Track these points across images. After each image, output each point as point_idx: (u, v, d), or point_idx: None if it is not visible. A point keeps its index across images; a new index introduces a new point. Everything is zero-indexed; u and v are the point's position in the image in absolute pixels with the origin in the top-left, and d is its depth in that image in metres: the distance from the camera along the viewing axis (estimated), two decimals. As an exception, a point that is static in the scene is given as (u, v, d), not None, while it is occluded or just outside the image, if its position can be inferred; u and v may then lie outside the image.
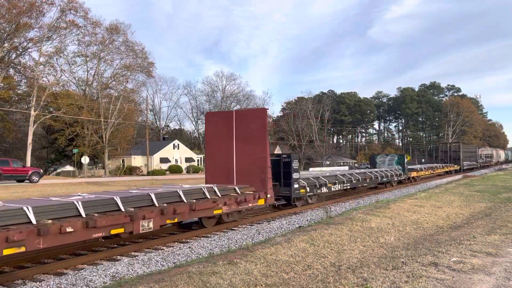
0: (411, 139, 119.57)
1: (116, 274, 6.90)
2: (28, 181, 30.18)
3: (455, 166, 43.22)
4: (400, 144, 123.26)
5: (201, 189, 10.30)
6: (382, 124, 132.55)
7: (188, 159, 67.55)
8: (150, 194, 8.98)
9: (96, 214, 7.63)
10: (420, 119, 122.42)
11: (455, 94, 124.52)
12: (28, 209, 6.73)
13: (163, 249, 8.89)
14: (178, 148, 67.38)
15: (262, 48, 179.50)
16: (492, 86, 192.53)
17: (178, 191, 9.64)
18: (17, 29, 43.09)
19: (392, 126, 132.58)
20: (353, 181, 19.16)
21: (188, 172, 62.51)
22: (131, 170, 57.66)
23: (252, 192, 11.61)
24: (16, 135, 55.14)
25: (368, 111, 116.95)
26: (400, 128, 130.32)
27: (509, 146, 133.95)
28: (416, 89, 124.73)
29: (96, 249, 8.93)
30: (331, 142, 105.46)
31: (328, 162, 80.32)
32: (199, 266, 6.80)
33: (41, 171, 33.92)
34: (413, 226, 11.54)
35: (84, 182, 34.69)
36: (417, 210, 14.20)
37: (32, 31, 45.69)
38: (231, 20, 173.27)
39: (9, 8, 41.40)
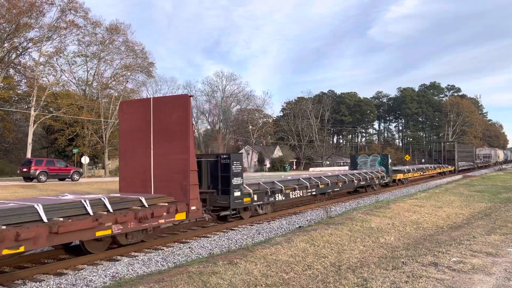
0: (411, 139, 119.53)
1: (116, 274, 6.90)
2: (70, 179, 32.33)
3: (449, 167, 40.47)
4: (400, 144, 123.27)
5: (80, 202, 7.65)
6: (382, 124, 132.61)
7: (188, 159, 67.47)
8: None
9: None
10: (420, 119, 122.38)
11: (455, 94, 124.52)
12: None
13: (163, 249, 8.89)
14: (178, 148, 67.29)
15: (262, 48, 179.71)
16: (492, 86, 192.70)
17: (36, 207, 6.93)
18: (17, 29, 43.08)
19: (392, 126, 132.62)
20: (320, 186, 16.13)
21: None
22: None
23: (166, 204, 9.09)
24: (16, 135, 55.16)
25: (368, 111, 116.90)
26: (400, 128, 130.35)
27: (509, 146, 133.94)
28: (416, 89, 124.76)
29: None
30: (331, 142, 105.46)
31: (328, 162, 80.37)
32: (199, 266, 6.80)
33: (81, 170, 36.24)
34: (413, 226, 11.54)
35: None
36: (417, 210, 14.20)
37: (32, 31, 45.69)
38: (231, 20, 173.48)
39: (9, 8, 41.39)
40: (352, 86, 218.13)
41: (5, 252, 6.20)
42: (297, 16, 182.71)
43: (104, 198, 8.17)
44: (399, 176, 26.05)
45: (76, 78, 56.60)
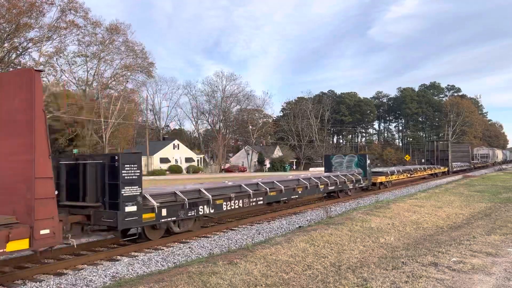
0: (411, 139, 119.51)
1: (116, 274, 6.90)
2: None
3: (442, 168, 37.18)
4: (400, 144, 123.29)
5: None
6: (382, 124, 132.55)
7: (188, 159, 67.59)
8: None
9: None
10: (420, 119, 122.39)
11: (455, 94, 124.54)
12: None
13: (163, 249, 8.89)
14: (178, 148, 67.41)
15: (262, 48, 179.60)
16: (492, 86, 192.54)
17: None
18: (17, 29, 43.10)
19: (392, 126, 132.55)
20: (269, 194, 12.89)
21: (188, 172, 62.51)
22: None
23: None
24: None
25: (368, 111, 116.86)
26: (400, 128, 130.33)
27: (509, 146, 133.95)
28: (416, 89, 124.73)
29: (96, 249, 8.93)
30: (331, 142, 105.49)
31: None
32: (199, 266, 6.80)
33: None
34: (413, 226, 11.54)
35: None
36: (417, 210, 14.21)
37: (32, 31, 45.70)
38: (231, 20, 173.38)
39: (9, 8, 41.41)
40: (352, 86, 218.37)
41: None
42: (297, 16, 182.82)
43: None
44: (381, 179, 23.13)
45: (76, 78, 56.63)
